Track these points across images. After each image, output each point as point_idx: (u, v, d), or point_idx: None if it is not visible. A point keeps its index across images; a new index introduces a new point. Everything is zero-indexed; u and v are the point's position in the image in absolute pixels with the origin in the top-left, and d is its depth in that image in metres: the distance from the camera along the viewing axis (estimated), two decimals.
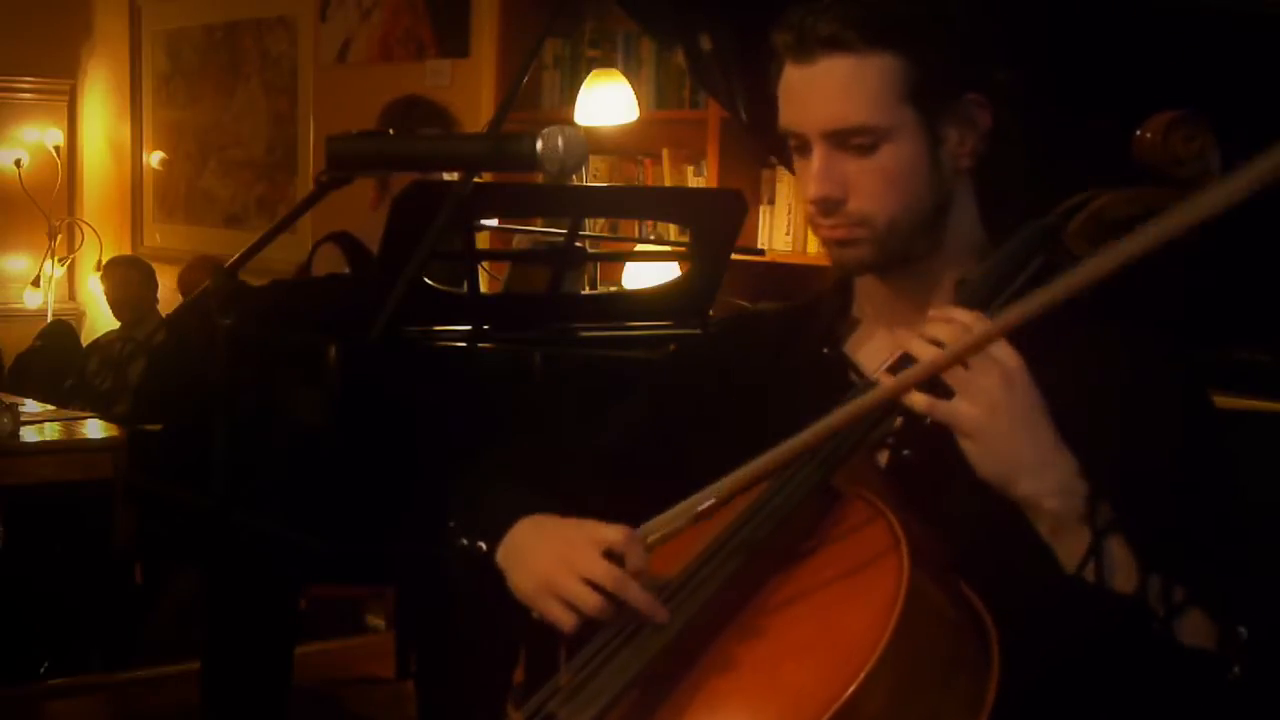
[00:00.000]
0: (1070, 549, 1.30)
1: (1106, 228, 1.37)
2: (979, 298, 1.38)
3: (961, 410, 1.30)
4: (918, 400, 1.31)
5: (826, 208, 1.44)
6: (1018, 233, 1.41)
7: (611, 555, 1.38)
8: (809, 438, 1.34)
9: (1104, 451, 1.34)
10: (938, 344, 1.31)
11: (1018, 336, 1.32)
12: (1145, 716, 1.31)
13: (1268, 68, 1.72)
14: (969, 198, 1.49)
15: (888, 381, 1.33)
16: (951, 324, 1.31)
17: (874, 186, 1.43)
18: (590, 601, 1.36)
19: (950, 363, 1.30)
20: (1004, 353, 1.30)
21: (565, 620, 1.38)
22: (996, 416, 1.29)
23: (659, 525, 1.40)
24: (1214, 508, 1.37)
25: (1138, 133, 1.36)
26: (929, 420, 1.32)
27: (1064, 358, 1.40)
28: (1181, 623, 1.29)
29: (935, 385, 1.31)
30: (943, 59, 1.42)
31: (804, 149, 1.46)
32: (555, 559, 1.40)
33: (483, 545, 1.49)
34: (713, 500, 1.38)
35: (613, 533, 1.39)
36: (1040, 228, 1.40)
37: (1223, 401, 1.90)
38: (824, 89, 1.43)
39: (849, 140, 1.42)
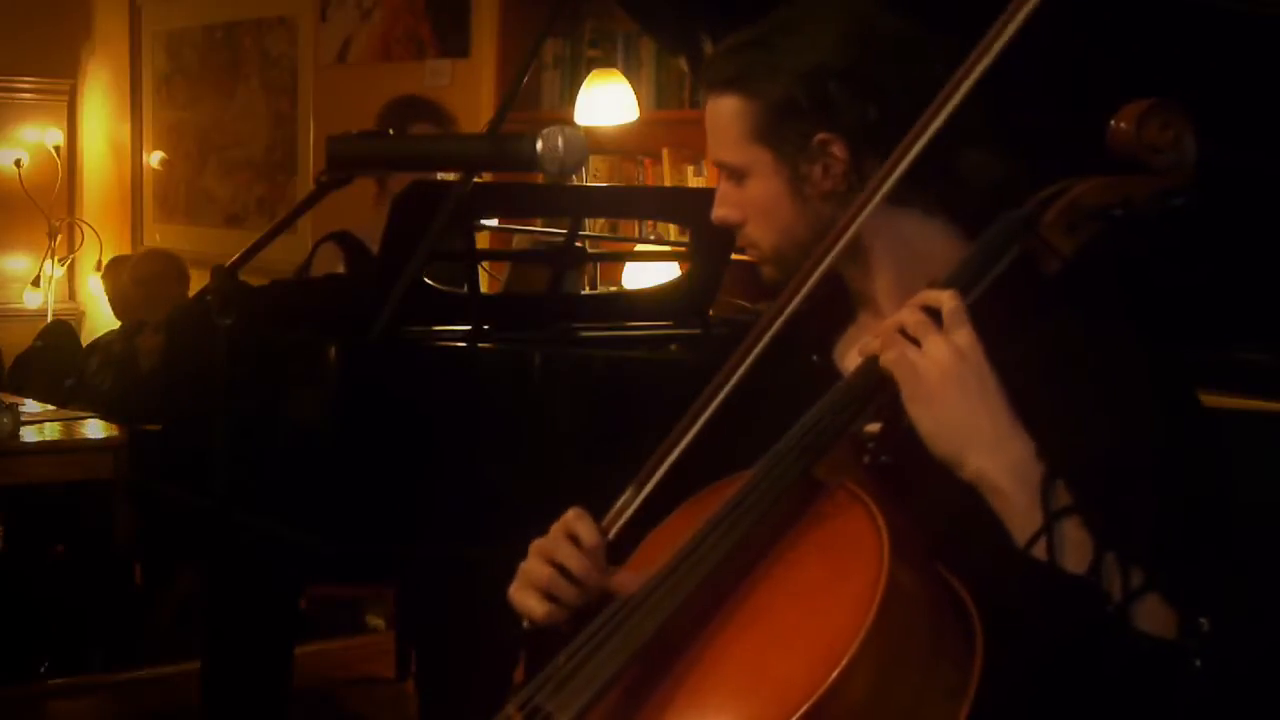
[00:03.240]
0: (1022, 529, 1.30)
1: (1083, 216, 1.37)
2: (956, 290, 1.39)
3: (917, 366, 1.32)
4: (886, 356, 1.34)
5: (728, 229, 1.57)
6: (993, 224, 1.41)
7: (569, 534, 1.46)
8: (721, 380, 1.45)
9: (1071, 439, 1.34)
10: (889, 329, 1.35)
11: (984, 320, 1.34)
12: (1108, 704, 1.30)
13: (1239, 53, 1.72)
14: (908, 218, 1.51)
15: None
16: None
17: (753, 216, 1.55)
18: (541, 575, 1.44)
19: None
20: (959, 331, 1.32)
21: (535, 608, 1.44)
22: (947, 386, 1.31)
23: (616, 506, 1.48)
24: (1183, 499, 1.36)
25: (1111, 123, 1.37)
26: (887, 372, 1.34)
27: (1034, 344, 1.41)
28: (1140, 609, 1.28)
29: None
30: (784, 104, 1.49)
31: None
32: (530, 555, 1.48)
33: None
34: (647, 468, 1.47)
35: (567, 514, 1.48)
36: (1016, 218, 1.40)
37: (1223, 401, 1.90)
38: (707, 123, 1.56)
39: (724, 172, 1.56)
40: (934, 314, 1.34)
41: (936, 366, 1.31)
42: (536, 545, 1.48)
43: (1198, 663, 1.27)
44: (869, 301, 1.57)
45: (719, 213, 1.57)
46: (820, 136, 1.48)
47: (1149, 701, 1.29)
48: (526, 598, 1.46)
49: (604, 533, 1.47)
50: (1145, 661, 1.28)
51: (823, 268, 1.45)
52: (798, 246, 1.51)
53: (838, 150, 1.49)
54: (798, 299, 1.45)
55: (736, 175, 1.54)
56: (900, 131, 1.43)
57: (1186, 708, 1.28)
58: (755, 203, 1.53)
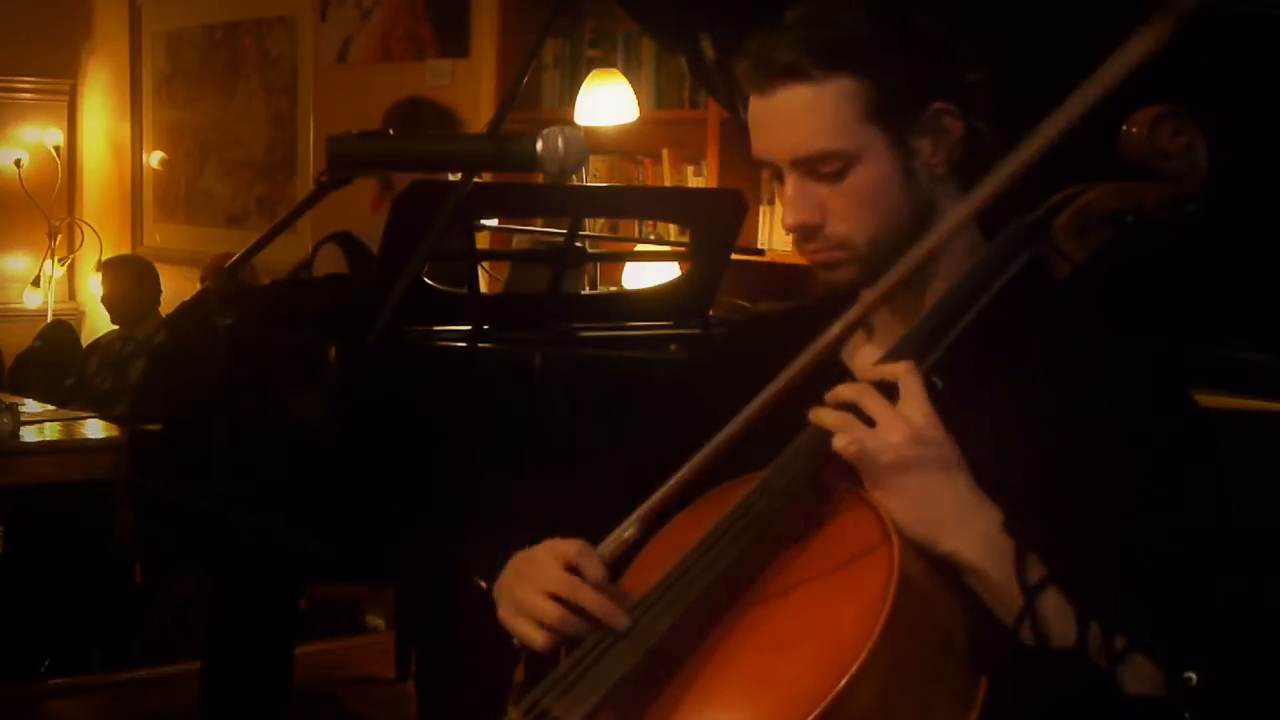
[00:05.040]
0: (1003, 606, 1.29)
1: (1094, 222, 1.38)
2: (966, 294, 1.38)
3: (872, 452, 1.30)
4: (839, 441, 1.31)
5: (805, 234, 1.46)
6: (1005, 229, 1.40)
7: (572, 568, 1.40)
8: (745, 419, 1.38)
9: (1075, 445, 1.34)
10: (840, 403, 1.33)
11: (960, 366, 1.33)
12: None
13: (1252, 61, 1.72)
14: (956, 201, 1.48)
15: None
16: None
17: (849, 209, 1.43)
18: (551, 613, 1.39)
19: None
20: (912, 409, 1.31)
21: (536, 637, 1.41)
22: (906, 469, 1.30)
23: (613, 537, 1.42)
24: (1166, 553, 1.33)
25: (1123, 128, 1.36)
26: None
27: (1042, 349, 1.41)
28: (1126, 671, 1.27)
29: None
30: (902, 75, 1.41)
31: (779, 176, 1.47)
32: (521, 579, 1.44)
33: (483, 584, 1.51)
34: (652, 502, 1.40)
35: (569, 547, 1.42)
36: (1027, 223, 1.40)
37: (1223, 401, 1.90)
38: (786, 118, 1.43)
39: (818, 167, 1.43)
40: (888, 388, 1.33)
41: (893, 450, 1.30)
42: (530, 573, 1.42)
43: (1187, 716, 1.26)
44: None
45: (801, 217, 1.44)
46: (936, 106, 1.43)
47: None
48: (522, 625, 1.42)
49: (605, 563, 1.41)
50: None
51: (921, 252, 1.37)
52: (897, 233, 1.44)
53: (951, 121, 1.44)
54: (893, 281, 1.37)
55: (839, 164, 1.42)
56: (991, 98, 1.40)
57: None
58: (859, 191, 1.42)
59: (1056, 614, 1.28)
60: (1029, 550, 1.29)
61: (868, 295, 1.42)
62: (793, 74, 1.41)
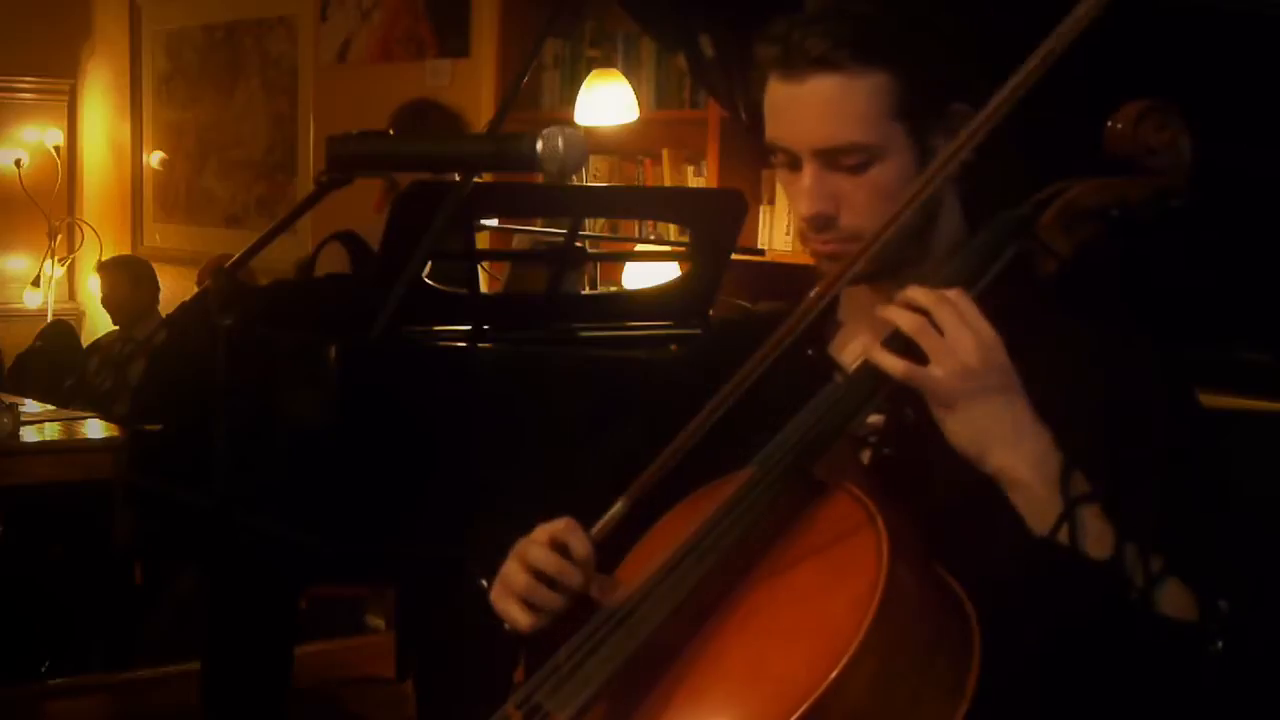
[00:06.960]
0: (1044, 519, 1.30)
1: (1079, 217, 1.38)
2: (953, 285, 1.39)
3: (935, 375, 1.30)
4: (894, 365, 1.31)
5: (818, 224, 1.46)
6: (990, 224, 1.41)
7: (559, 545, 1.42)
8: (729, 391, 1.38)
9: (1085, 433, 1.35)
10: (913, 307, 1.32)
11: (999, 321, 1.33)
12: (1128, 689, 1.31)
13: (1237, 56, 1.72)
14: (954, 200, 1.50)
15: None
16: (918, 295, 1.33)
17: (866, 203, 1.44)
18: (528, 585, 1.41)
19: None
20: (979, 324, 1.31)
21: (521, 619, 1.42)
22: (969, 383, 1.30)
23: (606, 518, 1.43)
24: (1196, 487, 1.37)
25: (1108, 124, 1.37)
26: (907, 386, 1.32)
27: (1031, 344, 1.41)
28: (1161, 593, 1.29)
29: (913, 353, 1.31)
30: (930, 74, 1.42)
31: (793, 164, 1.47)
32: (512, 560, 1.45)
33: (484, 582, 1.52)
34: (641, 481, 1.41)
35: (558, 524, 1.43)
36: (1013, 218, 1.40)
37: (1223, 401, 1.90)
38: (814, 108, 1.43)
39: (840, 159, 1.43)
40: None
41: (961, 364, 1.30)
42: (520, 553, 1.45)
43: (1219, 644, 1.28)
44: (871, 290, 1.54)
45: (818, 207, 1.44)
46: (955, 107, 1.43)
47: (1173, 683, 1.30)
48: (509, 605, 1.44)
49: (594, 543, 1.43)
50: (1169, 644, 1.29)
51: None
52: (907, 233, 1.43)
53: (968, 122, 1.41)
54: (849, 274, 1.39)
55: (863, 157, 1.42)
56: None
57: (1208, 688, 1.29)
58: (878, 185, 1.43)
59: (1095, 533, 1.29)
60: (1075, 467, 1.30)
61: (830, 272, 1.42)
62: (827, 65, 1.41)
